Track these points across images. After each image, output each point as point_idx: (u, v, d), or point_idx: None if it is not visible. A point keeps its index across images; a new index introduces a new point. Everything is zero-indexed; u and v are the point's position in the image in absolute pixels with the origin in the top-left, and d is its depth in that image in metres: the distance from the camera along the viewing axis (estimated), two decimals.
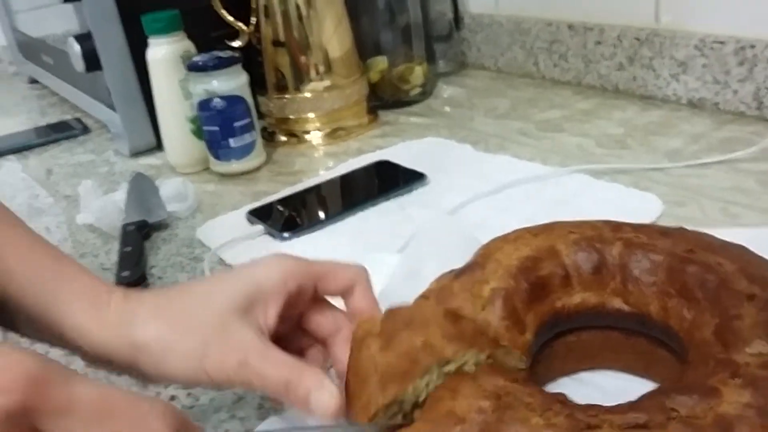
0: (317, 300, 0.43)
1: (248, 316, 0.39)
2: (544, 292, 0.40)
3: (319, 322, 0.43)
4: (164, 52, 0.80)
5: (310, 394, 0.36)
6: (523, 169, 0.70)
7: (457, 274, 0.41)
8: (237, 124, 0.78)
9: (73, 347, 0.40)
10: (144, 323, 0.39)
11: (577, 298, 0.40)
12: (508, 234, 0.43)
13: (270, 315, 0.40)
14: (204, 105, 0.78)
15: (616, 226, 0.42)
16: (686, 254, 0.38)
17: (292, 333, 0.43)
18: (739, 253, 0.39)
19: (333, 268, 0.43)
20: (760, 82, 0.73)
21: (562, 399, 0.32)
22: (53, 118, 1.19)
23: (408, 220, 0.64)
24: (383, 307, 0.40)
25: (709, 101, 0.78)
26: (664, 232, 0.41)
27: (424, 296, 0.40)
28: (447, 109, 0.93)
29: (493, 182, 0.67)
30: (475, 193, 0.66)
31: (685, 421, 0.29)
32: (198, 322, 0.39)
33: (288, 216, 0.69)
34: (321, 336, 0.43)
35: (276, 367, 0.37)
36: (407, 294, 0.41)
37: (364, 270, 0.43)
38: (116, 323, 0.39)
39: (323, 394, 0.35)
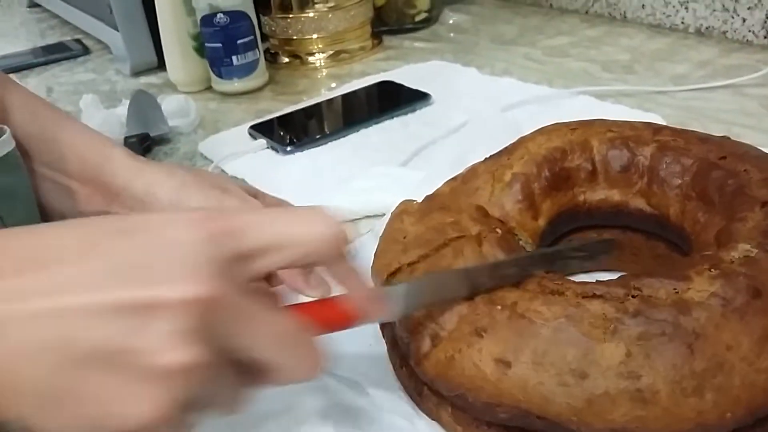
0: None
1: None
2: (568, 184, 0.40)
3: None
4: None
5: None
6: (529, 90, 0.70)
7: (487, 158, 0.42)
8: (240, 41, 0.77)
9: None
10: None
11: (601, 194, 0.40)
12: (547, 126, 0.43)
13: None
14: (207, 20, 0.77)
15: (657, 129, 0.41)
16: (717, 160, 0.38)
17: None
18: (765, 165, 0.38)
19: None
20: None
21: (542, 273, 0.33)
22: (53, 40, 1.17)
23: (411, 137, 0.64)
24: (423, 192, 0.42)
25: (717, 29, 0.77)
26: (705, 138, 0.40)
27: (453, 178, 0.42)
28: (452, 35, 0.92)
29: (499, 102, 0.67)
30: (480, 113, 0.66)
31: (643, 298, 0.29)
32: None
33: (290, 131, 0.69)
34: None
35: None
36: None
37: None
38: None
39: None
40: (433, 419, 0.34)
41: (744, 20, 0.74)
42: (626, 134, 0.41)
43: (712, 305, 0.29)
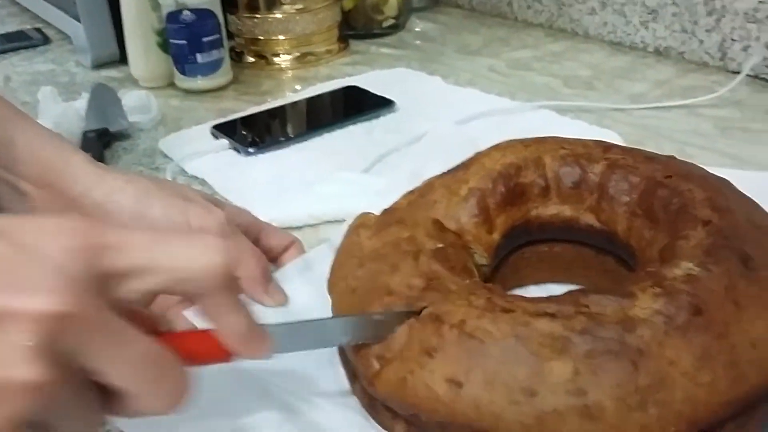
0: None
1: None
2: (521, 199, 0.41)
3: (271, 244, 0.47)
4: None
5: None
6: (491, 102, 0.71)
7: (443, 173, 0.42)
8: (205, 39, 0.77)
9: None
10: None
11: (553, 209, 0.41)
12: (502, 142, 0.44)
13: None
14: (172, 17, 0.76)
15: (607, 147, 0.42)
16: (663, 179, 0.39)
17: None
18: (717, 185, 0.39)
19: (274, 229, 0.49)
20: (726, 33, 0.74)
21: (491, 288, 0.34)
22: (12, 27, 1.14)
23: (374, 143, 0.65)
24: (384, 200, 0.43)
25: (675, 50, 0.80)
26: (651, 157, 0.42)
27: (411, 191, 0.42)
28: (419, 42, 0.93)
29: (461, 113, 0.68)
30: (443, 122, 0.66)
31: (590, 316, 0.30)
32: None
33: (253, 132, 0.68)
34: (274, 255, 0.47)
35: None
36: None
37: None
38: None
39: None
40: None
41: (701, 42, 0.77)
42: (578, 151, 0.42)
43: (655, 323, 0.30)
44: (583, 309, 0.31)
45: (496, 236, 0.40)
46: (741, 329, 0.30)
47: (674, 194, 0.38)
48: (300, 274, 0.45)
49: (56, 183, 0.44)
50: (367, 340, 0.33)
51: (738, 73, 0.69)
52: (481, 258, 0.39)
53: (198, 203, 0.45)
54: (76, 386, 0.24)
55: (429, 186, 0.42)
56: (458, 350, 0.31)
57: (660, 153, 0.58)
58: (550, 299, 0.32)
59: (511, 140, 0.44)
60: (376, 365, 0.32)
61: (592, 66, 0.80)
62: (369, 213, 0.42)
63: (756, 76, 0.73)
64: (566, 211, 0.41)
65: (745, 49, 0.73)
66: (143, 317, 0.28)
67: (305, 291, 0.44)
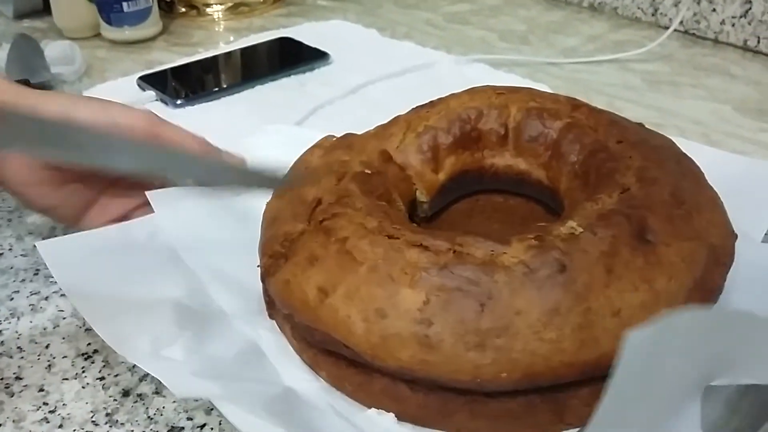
0: None
1: None
2: (477, 145, 0.41)
3: None
4: None
5: None
6: (427, 55, 0.70)
7: (413, 108, 0.43)
8: None
9: None
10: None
11: (509, 160, 0.41)
12: (477, 87, 0.44)
13: None
14: None
15: (577, 106, 0.41)
16: (611, 144, 0.38)
17: None
18: (659, 158, 0.37)
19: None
20: None
21: (393, 214, 0.35)
22: None
23: (307, 96, 0.64)
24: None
25: (608, 5, 0.80)
26: (616, 121, 0.40)
27: (381, 124, 0.43)
28: None
29: (397, 66, 0.67)
30: (378, 75, 0.66)
31: (458, 254, 0.31)
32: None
33: (183, 84, 0.66)
34: None
35: None
36: None
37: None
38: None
39: None
40: (279, 331, 0.37)
41: None
42: (546, 106, 0.41)
43: (515, 271, 0.30)
44: (456, 247, 0.31)
45: (441, 177, 0.40)
46: (604, 295, 0.29)
47: (610, 159, 0.37)
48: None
49: None
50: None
51: (668, 28, 0.70)
52: (421, 195, 0.40)
53: (123, 105, 0.44)
54: None
55: (395, 120, 0.43)
56: (333, 263, 0.32)
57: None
58: (434, 234, 0.32)
59: (485, 86, 0.44)
60: (274, 264, 0.35)
61: (528, 20, 0.80)
62: (331, 136, 0.43)
63: (685, 32, 0.74)
64: (521, 163, 0.41)
65: (675, 4, 0.74)
66: None
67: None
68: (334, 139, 0.43)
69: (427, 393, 0.31)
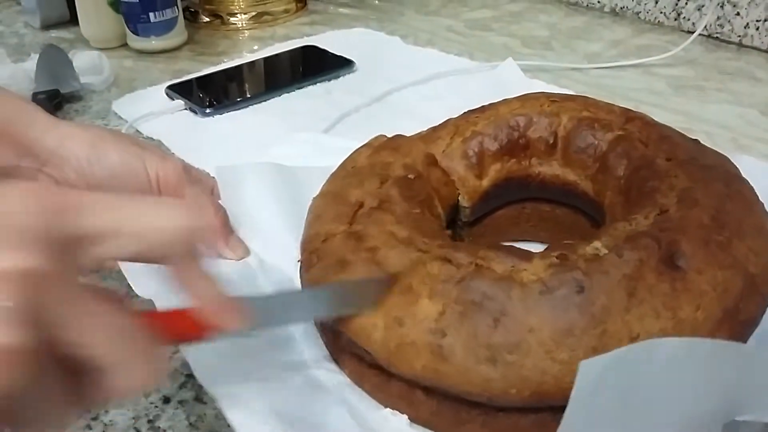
0: None
1: None
2: (524, 153, 0.41)
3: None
4: None
5: None
6: (451, 62, 0.71)
7: (464, 112, 0.43)
8: None
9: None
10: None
11: (557, 170, 0.41)
12: (530, 93, 0.44)
13: None
14: None
15: (632, 118, 0.40)
16: (660, 160, 0.37)
17: None
18: (706, 178, 0.35)
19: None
20: None
21: (425, 225, 0.36)
22: None
23: (333, 104, 0.64)
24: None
25: (630, 10, 0.80)
26: (667, 136, 0.39)
27: (432, 128, 0.43)
28: (377, 2, 0.92)
29: (421, 73, 0.68)
30: (403, 82, 0.66)
31: (479, 268, 0.31)
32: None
33: (210, 93, 0.67)
34: None
35: None
36: None
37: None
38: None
39: None
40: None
41: (656, 1, 0.77)
42: (599, 116, 0.40)
43: (531, 289, 0.30)
44: (478, 261, 0.31)
45: (485, 183, 0.41)
46: (623, 319, 0.29)
47: (654, 177, 0.35)
48: None
49: (8, 129, 0.43)
50: (344, 312, 0.33)
51: (692, 32, 0.70)
52: (464, 200, 0.40)
53: (154, 151, 0.44)
54: (49, 361, 0.22)
55: (444, 123, 0.43)
56: (362, 271, 0.33)
57: None
58: (459, 247, 0.33)
59: (539, 92, 0.43)
60: (307, 259, 0.36)
61: (550, 26, 0.80)
62: (383, 136, 0.43)
63: (709, 36, 0.74)
64: (568, 174, 0.40)
65: (699, 8, 0.74)
66: (108, 295, 0.26)
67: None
68: (384, 137, 0.43)
69: (441, 401, 0.32)
